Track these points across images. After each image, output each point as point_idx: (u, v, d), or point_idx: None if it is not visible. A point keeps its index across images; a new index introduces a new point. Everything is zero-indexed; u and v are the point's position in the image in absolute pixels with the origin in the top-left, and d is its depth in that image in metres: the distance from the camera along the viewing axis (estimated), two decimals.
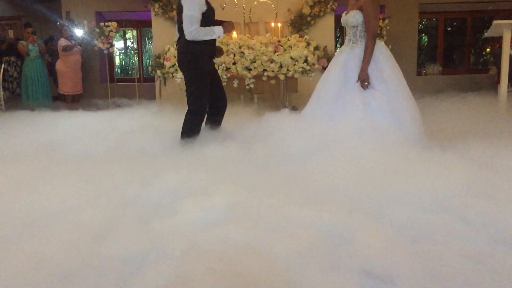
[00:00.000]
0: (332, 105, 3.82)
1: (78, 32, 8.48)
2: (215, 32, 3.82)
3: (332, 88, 3.85)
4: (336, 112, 3.78)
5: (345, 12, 3.91)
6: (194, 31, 3.72)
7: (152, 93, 8.59)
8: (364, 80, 3.68)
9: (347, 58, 3.83)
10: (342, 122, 3.68)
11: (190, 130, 3.95)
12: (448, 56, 11.46)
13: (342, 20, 3.91)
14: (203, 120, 4.07)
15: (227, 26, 3.94)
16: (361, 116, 3.67)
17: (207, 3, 3.86)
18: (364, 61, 3.69)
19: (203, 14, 3.78)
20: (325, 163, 3.07)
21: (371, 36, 3.68)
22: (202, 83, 3.92)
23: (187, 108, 4.02)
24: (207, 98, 3.98)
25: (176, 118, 5.73)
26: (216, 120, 4.20)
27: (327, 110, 3.83)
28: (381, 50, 3.79)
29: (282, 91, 7.05)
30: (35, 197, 2.44)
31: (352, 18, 3.75)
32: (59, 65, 8.30)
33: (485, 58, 11.75)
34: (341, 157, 3.11)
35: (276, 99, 7.28)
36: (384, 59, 3.76)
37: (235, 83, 6.57)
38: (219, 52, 4.13)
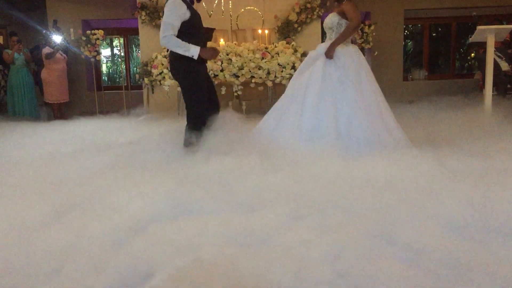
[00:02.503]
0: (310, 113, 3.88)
1: (58, 38, 8.38)
2: (189, 50, 3.72)
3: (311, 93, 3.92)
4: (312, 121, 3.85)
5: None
6: (167, 37, 3.67)
7: (140, 100, 8.57)
8: (330, 55, 3.87)
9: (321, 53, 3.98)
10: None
11: (192, 137, 3.87)
12: (433, 62, 11.60)
13: (323, 25, 4.14)
14: (205, 124, 3.95)
15: (208, 52, 3.84)
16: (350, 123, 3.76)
17: (190, 9, 3.81)
18: (337, 39, 3.88)
19: (187, 21, 3.75)
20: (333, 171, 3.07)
21: (353, 25, 3.86)
22: (199, 87, 3.87)
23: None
24: (206, 103, 3.93)
25: (165, 126, 5.77)
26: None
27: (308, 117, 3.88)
28: (353, 56, 3.93)
29: (270, 97, 7.07)
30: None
31: (329, 19, 3.99)
32: (44, 74, 8.23)
33: (470, 63, 11.90)
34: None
35: (264, 106, 7.30)
36: (358, 65, 3.92)
37: (223, 90, 6.58)
38: (213, 53, 3.94)
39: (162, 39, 3.70)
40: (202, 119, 3.91)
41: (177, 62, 3.88)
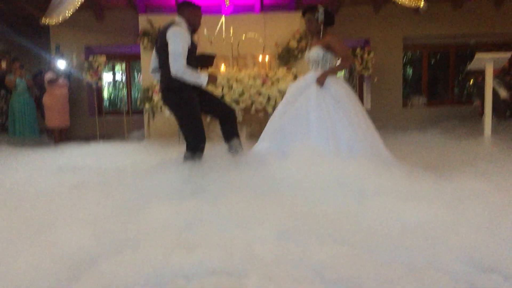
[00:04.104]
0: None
1: (62, 64, 8.48)
2: (200, 80, 3.81)
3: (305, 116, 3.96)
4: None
5: (307, 49, 4.20)
6: (181, 68, 3.70)
7: (141, 125, 8.60)
8: (320, 80, 3.93)
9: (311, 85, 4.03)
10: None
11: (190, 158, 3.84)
12: (432, 88, 11.68)
13: (305, 57, 4.21)
14: (203, 151, 3.93)
15: (211, 78, 3.92)
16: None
17: (191, 37, 3.87)
18: (331, 70, 3.99)
19: (188, 49, 3.78)
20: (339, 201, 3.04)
21: (348, 63, 4.01)
22: (193, 115, 3.86)
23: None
24: (202, 129, 3.91)
25: (165, 151, 5.76)
26: (229, 130, 4.09)
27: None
28: (344, 86, 4.02)
29: None
30: None
31: (314, 53, 4.03)
32: (46, 99, 8.28)
33: (468, 90, 11.98)
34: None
35: None
36: (344, 94, 3.97)
37: None
38: (212, 80, 3.97)
39: (178, 70, 3.70)
40: (201, 146, 3.91)
41: (169, 93, 3.88)
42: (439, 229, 2.30)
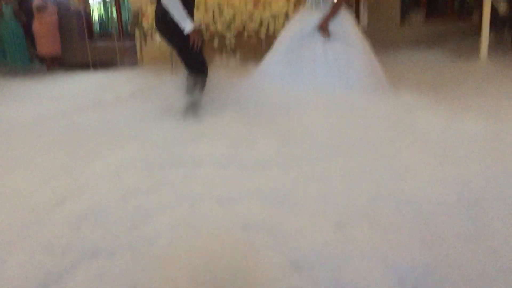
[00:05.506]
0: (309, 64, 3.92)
1: None
2: (184, 24, 3.57)
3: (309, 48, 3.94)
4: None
5: None
6: (172, 1, 3.52)
7: (134, 50, 8.45)
8: (324, 29, 3.83)
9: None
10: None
11: (198, 82, 3.73)
12: (432, 3, 11.27)
13: None
14: (207, 71, 3.84)
15: (196, 32, 3.63)
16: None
17: None
18: (329, 13, 3.84)
19: None
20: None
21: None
22: (188, 38, 3.66)
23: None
24: (202, 52, 3.78)
25: (160, 79, 5.74)
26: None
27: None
28: (345, 22, 3.94)
29: (265, 50, 6.97)
30: None
31: None
32: (36, 26, 8.09)
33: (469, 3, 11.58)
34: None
35: (258, 57, 7.21)
36: (350, 32, 3.93)
37: (216, 43, 6.50)
38: (195, 34, 3.68)
39: (169, 2, 3.53)
40: (203, 70, 3.80)
41: (163, 21, 3.71)
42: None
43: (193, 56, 3.76)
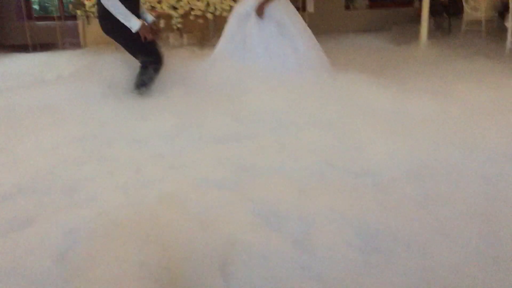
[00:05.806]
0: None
1: None
2: (131, 22, 3.38)
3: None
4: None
5: None
6: (112, 1, 3.33)
7: (75, 31, 8.13)
8: (259, 14, 3.88)
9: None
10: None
11: (147, 81, 3.60)
12: None
13: None
14: (160, 68, 3.67)
15: (146, 30, 3.46)
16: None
17: None
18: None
19: None
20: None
21: None
22: (136, 37, 3.48)
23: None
24: (152, 44, 3.62)
25: (103, 60, 5.54)
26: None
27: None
28: (283, 8, 4.01)
29: (212, 30, 6.93)
30: None
31: None
32: None
33: None
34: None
35: (206, 38, 7.15)
36: (287, 16, 3.99)
37: (162, 23, 6.37)
38: (151, 33, 3.54)
39: (108, 1, 3.33)
40: (159, 56, 3.65)
41: (105, 21, 3.52)
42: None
43: (143, 51, 3.57)
